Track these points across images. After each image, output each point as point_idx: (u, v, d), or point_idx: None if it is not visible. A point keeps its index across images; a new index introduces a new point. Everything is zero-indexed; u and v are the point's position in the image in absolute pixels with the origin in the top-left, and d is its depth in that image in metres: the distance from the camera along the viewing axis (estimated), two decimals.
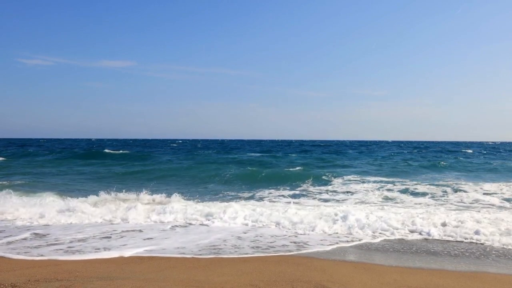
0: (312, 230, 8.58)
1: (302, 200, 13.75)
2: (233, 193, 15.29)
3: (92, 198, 12.00)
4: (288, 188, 16.70)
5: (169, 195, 12.73)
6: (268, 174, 20.72)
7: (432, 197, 14.13)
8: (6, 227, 8.89)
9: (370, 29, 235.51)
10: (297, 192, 15.66)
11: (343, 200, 13.69)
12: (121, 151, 44.04)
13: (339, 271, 5.59)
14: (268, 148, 65.85)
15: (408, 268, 5.98)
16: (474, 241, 7.66)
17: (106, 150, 44.68)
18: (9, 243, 7.37)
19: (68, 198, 11.79)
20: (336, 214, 9.48)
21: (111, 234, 8.32)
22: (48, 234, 8.20)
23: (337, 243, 7.58)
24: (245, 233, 8.47)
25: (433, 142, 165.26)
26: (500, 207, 11.97)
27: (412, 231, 8.34)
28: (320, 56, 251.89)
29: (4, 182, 16.97)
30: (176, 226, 9.27)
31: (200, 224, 9.40)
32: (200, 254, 6.64)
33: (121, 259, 6.24)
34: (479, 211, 10.86)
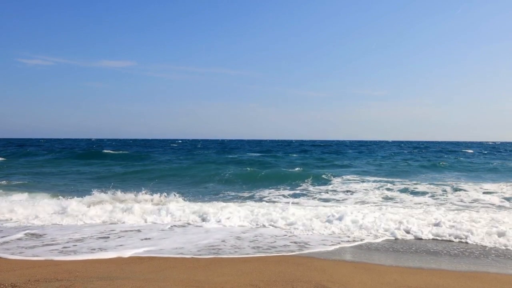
0: (311, 230, 8.57)
1: (302, 199, 13.75)
2: (233, 193, 15.28)
3: (90, 198, 11.90)
4: (288, 188, 16.70)
5: (168, 195, 12.71)
6: (268, 174, 20.71)
7: (432, 196, 14.13)
8: (2, 228, 8.87)
9: (370, 29, 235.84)
10: (297, 192, 15.65)
11: (343, 199, 13.69)
12: (120, 151, 44.04)
13: (339, 271, 5.59)
14: (268, 148, 65.85)
15: (408, 268, 5.98)
16: (469, 242, 7.64)
17: (105, 150, 44.65)
18: (4, 243, 7.35)
19: (68, 198, 11.75)
20: (333, 215, 9.40)
21: (109, 234, 8.31)
22: (44, 234, 8.18)
23: (339, 243, 7.57)
24: (244, 233, 8.46)
25: (433, 142, 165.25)
26: (500, 207, 11.98)
27: (407, 231, 8.31)
28: (320, 56, 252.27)
29: (3, 182, 16.96)
30: (175, 226, 9.26)
31: (199, 225, 9.38)
32: (200, 254, 6.63)
33: (121, 259, 6.23)
34: (478, 211, 10.86)
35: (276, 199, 13.74)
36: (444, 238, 7.92)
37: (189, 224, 9.48)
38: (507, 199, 13.33)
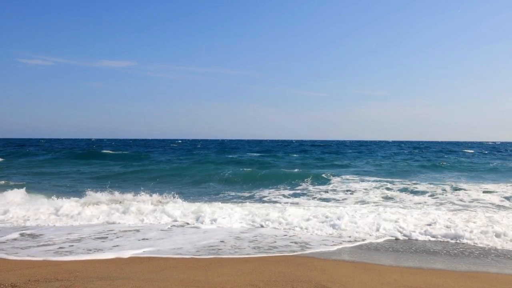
0: (311, 230, 8.57)
1: (301, 199, 13.75)
2: (232, 193, 15.28)
3: (89, 198, 11.88)
4: (288, 187, 16.70)
5: (167, 195, 12.69)
6: (267, 174, 20.71)
7: (432, 196, 14.12)
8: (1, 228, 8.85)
9: (370, 29, 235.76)
10: (297, 191, 15.65)
11: (343, 199, 13.69)
12: (120, 151, 44.03)
13: (339, 271, 5.59)
14: (268, 148, 65.86)
15: (408, 268, 5.98)
16: (468, 242, 7.62)
17: (105, 151, 44.64)
18: (0, 243, 7.33)
19: (67, 198, 11.75)
20: (333, 215, 9.41)
21: (107, 234, 8.29)
22: (41, 235, 8.16)
23: (339, 243, 7.57)
24: (243, 233, 8.46)
25: (433, 142, 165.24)
26: (499, 206, 11.98)
27: (407, 232, 8.29)
28: (320, 56, 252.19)
29: (2, 182, 16.96)
30: (174, 226, 9.25)
31: (198, 225, 9.36)
32: (199, 255, 6.62)
33: (121, 259, 6.23)
34: (476, 211, 10.86)
35: (276, 199, 13.73)
36: (444, 239, 7.91)
37: (188, 224, 9.47)
38: (507, 198, 13.33)
